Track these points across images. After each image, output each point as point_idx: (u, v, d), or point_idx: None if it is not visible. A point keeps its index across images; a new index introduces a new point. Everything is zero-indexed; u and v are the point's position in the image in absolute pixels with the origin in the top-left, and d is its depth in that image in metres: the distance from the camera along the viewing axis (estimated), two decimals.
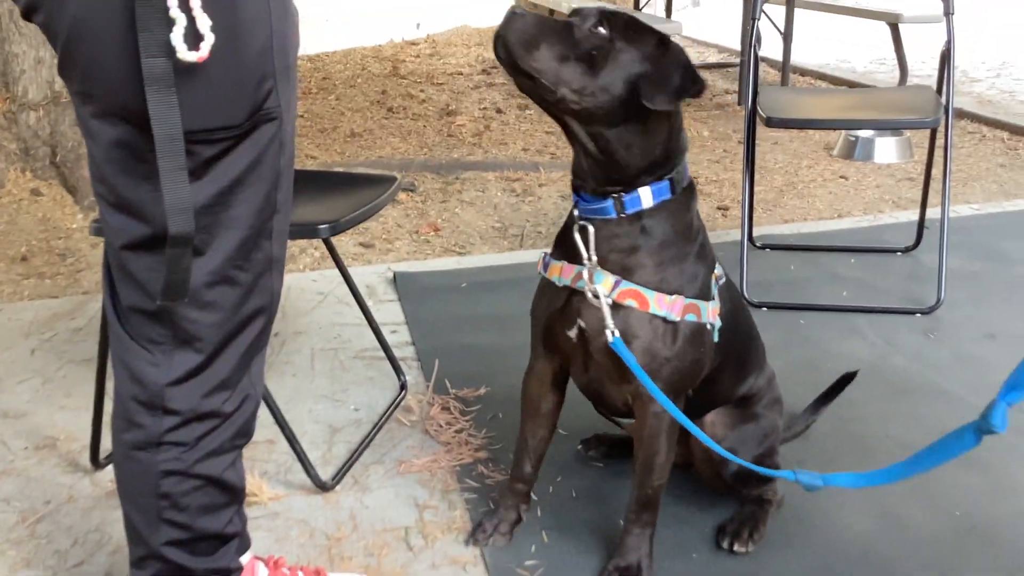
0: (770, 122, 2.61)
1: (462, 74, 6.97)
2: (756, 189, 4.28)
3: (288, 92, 1.22)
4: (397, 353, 2.49)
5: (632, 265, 1.52)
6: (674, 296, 1.52)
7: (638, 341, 1.52)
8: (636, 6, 7.46)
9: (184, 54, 1.07)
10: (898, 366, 2.41)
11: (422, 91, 6.26)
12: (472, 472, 2.03)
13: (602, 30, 1.42)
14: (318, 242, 3.20)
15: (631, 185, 1.49)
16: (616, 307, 1.52)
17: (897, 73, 6.07)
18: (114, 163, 1.17)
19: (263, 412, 1.92)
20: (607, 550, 1.77)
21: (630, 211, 1.50)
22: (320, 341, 2.67)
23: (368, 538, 1.85)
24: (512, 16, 1.41)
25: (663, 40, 1.46)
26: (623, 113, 1.43)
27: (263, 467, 2.08)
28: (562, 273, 1.57)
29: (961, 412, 2.19)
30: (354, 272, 2.82)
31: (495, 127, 5.35)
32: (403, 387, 2.38)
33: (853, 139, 4.62)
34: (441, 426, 2.21)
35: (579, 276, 1.54)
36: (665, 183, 1.51)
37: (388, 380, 2.43)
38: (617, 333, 1.50)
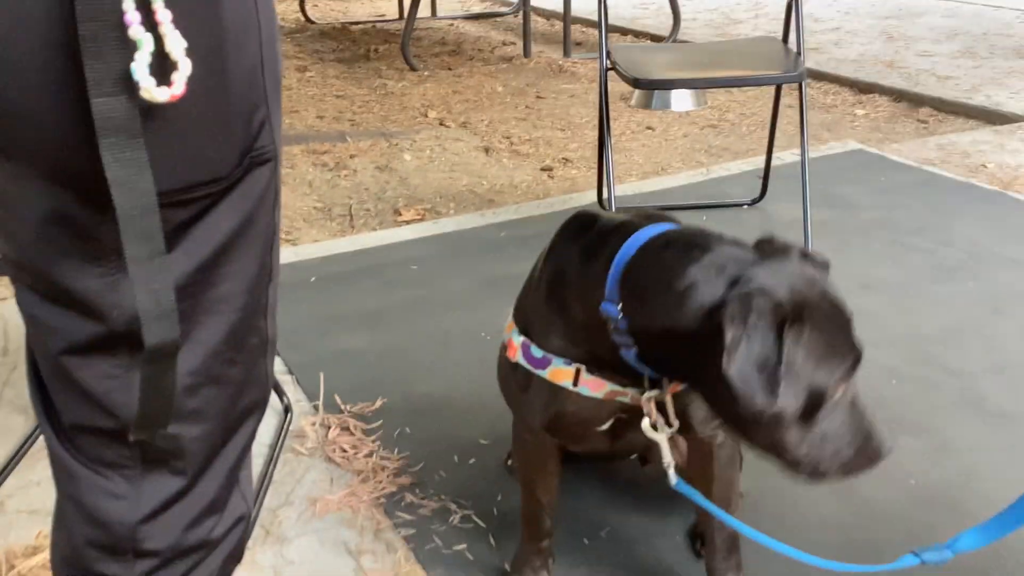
0: (638, 84, 2.49)
1: None
2: (571, 146, 4.21)
3: (279, 119, 0.91)
4: None
5: None
6: None
7: (696, 400, 1.31)
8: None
9: (152, 91, 0.73)
10: None
11: None
12: (400, 503, 1.79)
13: None
14: None
15: None
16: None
17: (663, 17, 6.18)
18: (47, 243, 0.82)
19: None
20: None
21: None
22: None
23: None
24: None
25: None
26: None
27: None
28: (586, 385, 1.29)
29: (870, 371, 2.17)
30: None
31: None
32: (287, 410, 2.08)
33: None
34: (346, 451, 1.94)
35: (618, 393, 1.28)
36: None
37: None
38: (673, 470, 1.28)
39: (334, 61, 5.72)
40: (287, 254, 2.91)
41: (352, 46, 6.15)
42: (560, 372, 1.29)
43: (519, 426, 1.49)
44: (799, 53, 2.65)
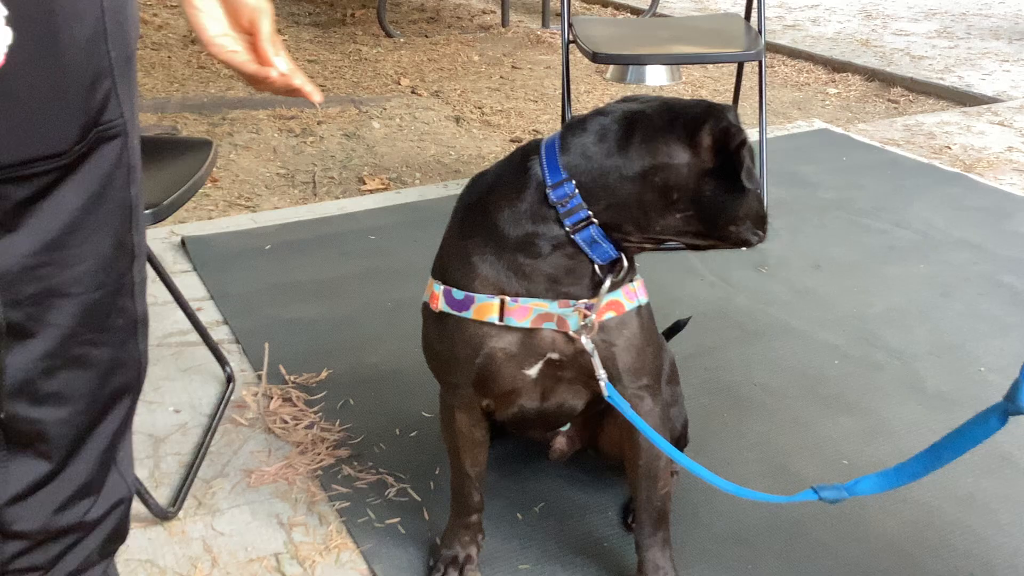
0: (596, 58, 2.47)
1: None
2: (542, 118, 4.19)
3: (131, 94, 0.89)
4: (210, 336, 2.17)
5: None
6: (634, 282, 1.38)
7: (620, 342, 1.36)
8: None
9: None
10: (742, 306, 2.39)
11: (155, 15, 5.63)
12: (337, 475, 1.80)
13: None
14: None
15: None
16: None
17: None
18: None
19: None
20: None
21: None
22: None
23: (232, 573, 1.59)
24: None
25: None
26: None
27: None
28: (512, 315, 1.31)
29: (814, 350, 2.20)
30: None
31: None
32: (229, 379, 2.08)
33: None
34: (287, 423, 1.95)
35: (544, 318, 1.31)
36: None
37: (207, 371, 2.12)
38: (607, 380, 1.34)
39: (309, 25, 5.67)
40: (244, 220, 2.90)
41: (328, 10, 6.09)
42: (485, 307, 1.31)
43: (446, 395, 1.49)
44: (760, 31, 2.64)
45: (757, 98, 2.76)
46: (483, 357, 1.35)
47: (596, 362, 1.32)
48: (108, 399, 0.96)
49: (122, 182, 0.89)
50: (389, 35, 5.38)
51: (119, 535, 1.04)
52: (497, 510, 1.69)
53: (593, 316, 1.30)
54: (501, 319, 1.31)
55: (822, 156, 3.37)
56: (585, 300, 1.31)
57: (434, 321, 1.39)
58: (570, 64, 2.80)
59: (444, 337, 1.38)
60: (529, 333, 1.33)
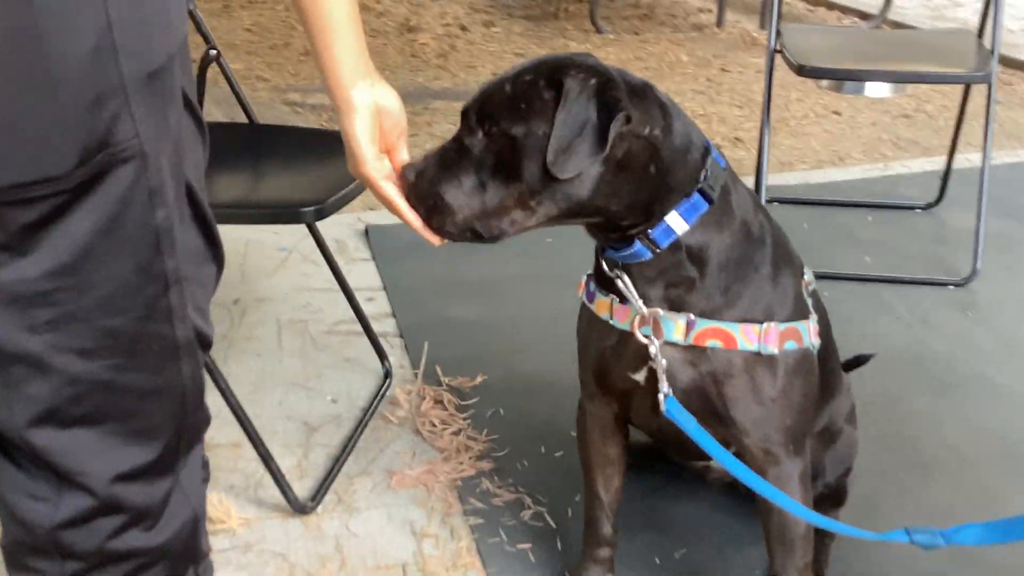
0: (803, 71, 2.31)
1: None
2: (746, 126, 3.99)
3: (158, 109, 0.82)
4: (376, 327, 2.16)
5: (697, 301, 1.22)
6: (765, 324, 1.22)
7: (732, 383, 1.23)
8: None
9: None
10: (940, 352, 2.17)
11: (378, 2, 5.78)
12: (475, 488, 1.75)
13: (491, 128, 1.15)
14: None
15: (655, 217, 1.19)
16: (697, 350, 1.23)
17: None
18: None
19: (225, 409, 1.62)
20: None
21: (665, 245, 1.19)
22: (287, 310, 2.34)
23: None
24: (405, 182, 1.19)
25: (552, 82, 1.12)
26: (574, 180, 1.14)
27: (228, 479, 1.78)
28: (616, 315, 1.28)
29: (1018, 412, 1.96)
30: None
31: (461, 47, 4.94)
32: (387, 374, 2.07)
33: None
34: (435, 426, 1.92)
35: (641, 322, 1.23)
36: (695, 195, 1.19)
37: (368, 362, 2.12)
38: (670, 393, 1.23)
39: (521, 18, 5.67)
40: None
41: (543, 3, 6.07)
42: (602, 304, 1.31)
43: (582, 394, 1.45)
44: (992, 51, 2.38)
45: (1001, 119, 2.50)
46: (596, 352, 1.34)
47: (661, 375, 1.23)
48: (148, 425, 0.92)
49: (142, 206, 0.83)
50: (599, 31, 5.30)
51: (190, 556, 1.01)
52: (636, 549, 1.59)
53: (644, 310, 1.23)
54: (612, 317, 1.29)
55: None
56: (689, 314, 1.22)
57: (582, 310, 1.39)
58: (779, 68, 2.64)
59: (581, 327, 1.39)
60: (630, 337, 1.26)
